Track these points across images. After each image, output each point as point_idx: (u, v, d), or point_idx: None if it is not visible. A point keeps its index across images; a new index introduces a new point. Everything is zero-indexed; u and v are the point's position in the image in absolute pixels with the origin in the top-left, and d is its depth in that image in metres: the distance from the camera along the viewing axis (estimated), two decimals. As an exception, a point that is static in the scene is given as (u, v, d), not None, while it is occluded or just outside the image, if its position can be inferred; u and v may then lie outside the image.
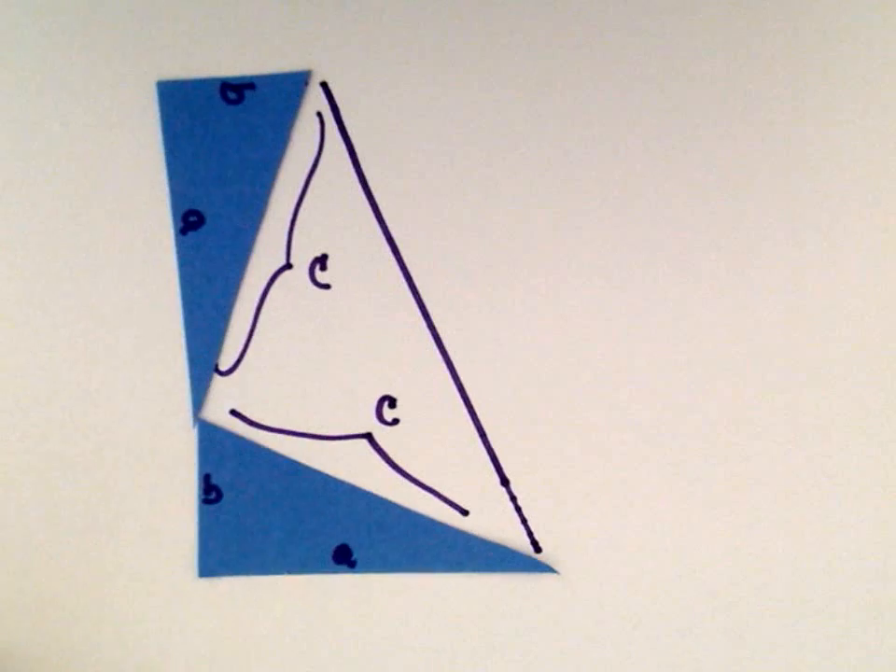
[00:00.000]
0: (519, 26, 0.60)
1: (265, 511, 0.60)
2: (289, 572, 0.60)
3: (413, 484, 0.60)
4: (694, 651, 0.59)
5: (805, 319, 0.59)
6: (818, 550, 0.58)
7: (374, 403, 0.61)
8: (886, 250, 0.59)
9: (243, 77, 0.61)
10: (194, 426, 0.61)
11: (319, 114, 0.61)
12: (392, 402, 0.60)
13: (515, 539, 0.60)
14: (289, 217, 0.61)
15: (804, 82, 0.59)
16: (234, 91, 0.61)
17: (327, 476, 0.61)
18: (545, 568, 0.59)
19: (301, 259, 0.61)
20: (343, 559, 0.60)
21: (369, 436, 0.60)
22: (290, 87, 0.60)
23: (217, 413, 0.61)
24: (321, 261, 0.61)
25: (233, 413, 0.61)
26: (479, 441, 0.60)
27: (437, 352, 0.60)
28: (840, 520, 0.58)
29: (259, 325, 0.61)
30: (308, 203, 0.61)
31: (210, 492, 0.60)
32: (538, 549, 0.60)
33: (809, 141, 0.59)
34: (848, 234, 0.59)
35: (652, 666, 0.59)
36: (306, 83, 0.60)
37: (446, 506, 0.60)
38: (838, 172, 0.59)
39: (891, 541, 0.58)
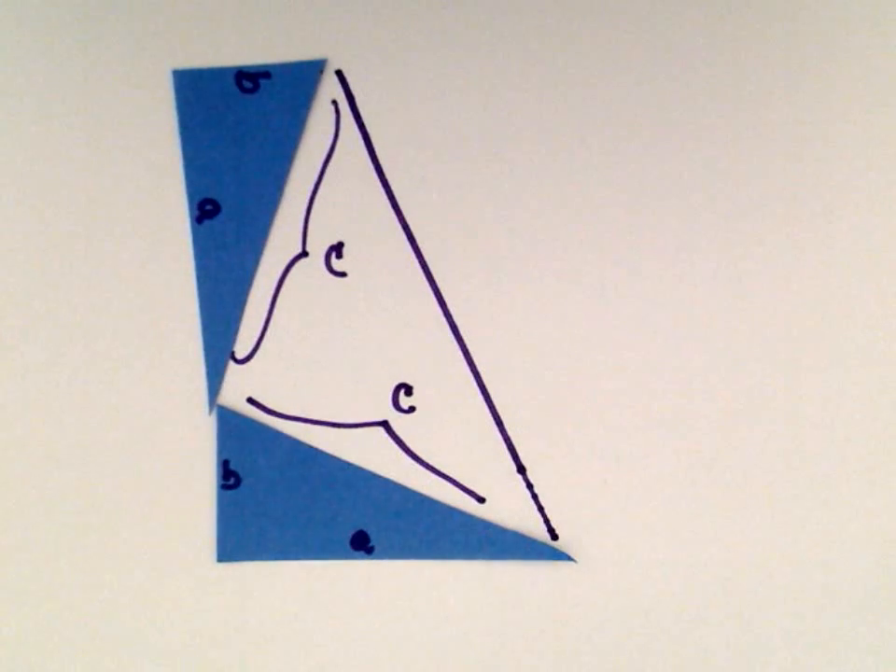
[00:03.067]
0: (538, 12, 0.59)
1: (284, 497, 0.61)
2: (308, 558, 0.61)
3: (429, 472, 0.60)
4: (710, 638, 0.59)
5: (819, 307, 0.59)
6: (839, 539, 0.58)
7: (390, 391, 0.61)
8: (887, 249, 0.58)
9: (258, 66, 0.61)
10: (211, 413, 0.61)
11: (335, 102, 0.61)
12: (408, 390, 0.61)
13: (532, 526, 0.60)
14: (305, 205, 0.61)
15: (805, 82, 0.58)
16: (250, 79, 0.61)
17: (345, 463, 0.61)
18: (562, 556, 0.59)
19: (317, 247, 0.61)
20: (361, 545, 0.61)
21: (385, 423, 0.61)
22: (305, 75, 0.60)
23: (234, 401, 0.61)
24: (337, 249, 0.61)
25: (250, 401, 0.61)
26: (495, 428, 0.60)
27: (453, 340, 0.60)
28: (859, 504, 0.58)
29: (275, 313, 0.61)
30: (323, 191, 0.61)
31: (229, 478, 0.61)
32: (554, 536, 0.60)
33: (811, 141, 0.58)
34: (850, 235, 0.58)
35: (668, 653, 0.59)
36: (321, 71, 0.60)
37: (463, 493, 0.60)
38: (840, 172, 0.58)
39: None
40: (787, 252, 0.58)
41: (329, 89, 0.61)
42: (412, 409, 0.60)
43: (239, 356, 0.61)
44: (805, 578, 0.58)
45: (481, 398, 0.60)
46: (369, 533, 0.61)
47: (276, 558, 0.61)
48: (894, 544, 0.58)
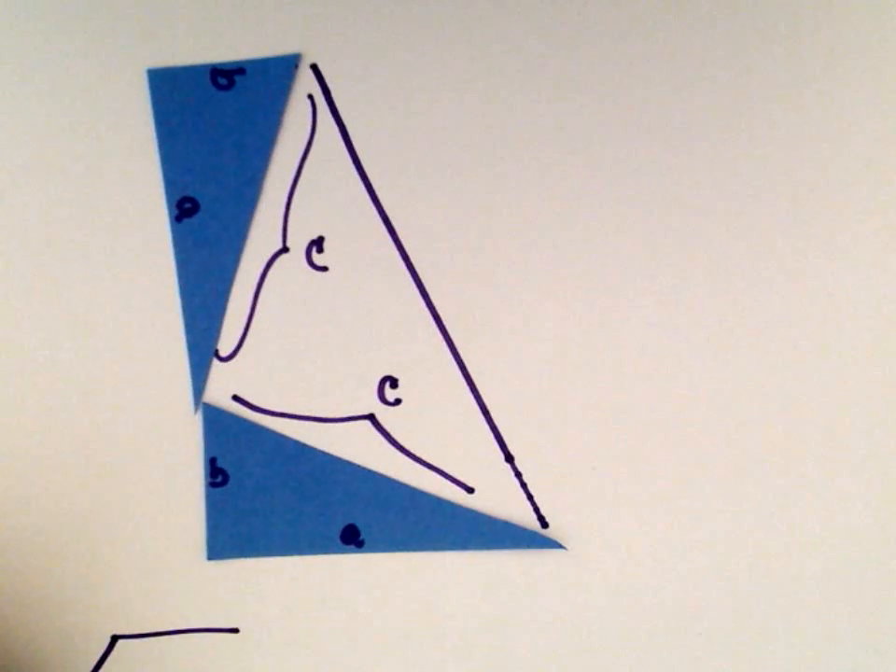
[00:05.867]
0: (519, 5, 0.59)
1: (272, 493, 0.61)
2: (298, 553, 0.61)
3: (417, 464, 0.60)
4: (701, 626, 0.59)
5: (814, 310, 0.58)
6: (833, 529, 0.58)
7: (376, 384, 0.61)
8: (888, 251, 0.58)
9: (233, 63, 0.60)
10: (196, 412, 0.61)
11: (310, 96, 0.61)
12: (394, 383, 0.61)
13: (522, 514, 0.60)
14: (284, 200, 0.61)
15: (806, 84, 0.58)
16: (225, 76, 0.60)
17: (333, 457, 0.61)
18: (552, 544, 0.59)
19: (298, 243, 0.61)
20: (351, 539, 0.61)
21: (371, 417, 0.61)
22: (280, 71, 0.60)
23: (219, 399, 0.61)
24: (317, 244, 0.61)
25: (236, 398, 0.61)
26: (482, 418, 0.60)
27: (437, 330, 0.60)
28: (852, 497, 0.58)
29: (257, 309, 0.61)
30: (302, 185, 0.61)
31: (216, 475, 0.61)
32: (544, 524, 0.60)
33: (812, 142, 0.58)
34: (850, 237, 0.58)
35: (659, 642, 0.59)
36: (296, 66, 0.60)
37: (451, 484, 0.60)
38: (841, 173, 0.58)
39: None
40: (785, 253, 0.58)
41: (304, 83, 0.61)
42: (398, 401, 0.61)
43: (223, 353, 0.61)
44: (802, 564, 0.58)
45: (466, 388, 0.60)
46: (358, 526, 0.61)
47: (266, 554, 0.61)
48: (893, 536, 0.58)
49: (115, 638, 0.62)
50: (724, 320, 0.59)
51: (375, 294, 0.60)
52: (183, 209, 0.61)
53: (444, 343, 0.60)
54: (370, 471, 0.60)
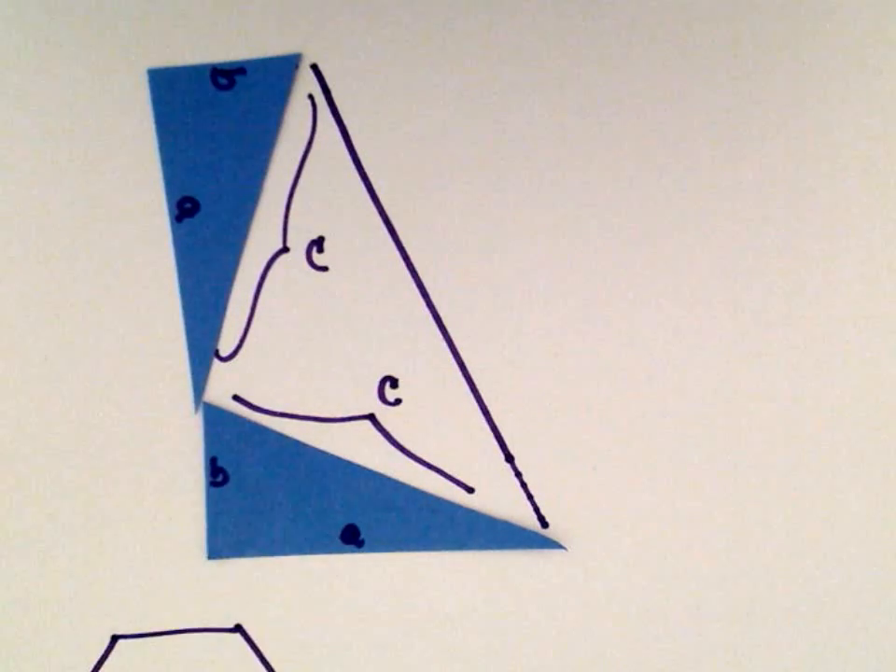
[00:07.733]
0: (520, 6, 0.59)
1: (272, 493, 0.61)
2: (298, 553, 0.61)
3: (417, 464, 0.60)
4: (702, 626, 0.59)
5: (815, 311, 0.59)
6: (834, 530, 0.58)
7: (376, 384, 0.61)
8: (887, 251, 0.58)
9: (233, 63, 0.60)
10: (196, 411, 0.61)
11: (311, 96, 0.61)
12: (394, 383, 0.61)
13: (522, 514, 0.60)
14: (284, 200, 0.61)
15: (806, 82, 0.58)
16: (225, 76, 0.60)
17: (333, 457, 0.61)
18: (552, 544, 0.59)
19: (298, 243, 0.61)
20: (351, 539, 0.61)
21: (371, 417, 0.61)
22: (281, 71, 0.60)
23: (219, 398, 0.61)
24: (318, 244, 0.61)
25: (236, 398, 0.61)
26: (482, 418, 0.60)
27: (437, 330, 0.60)
28: (853, 497, 0.58)
29: (257, 309, 0.61)
30: (303, 185, 0.61)
31: (217, 475, 0.61)
32: (544, 524, 0.60)
33: (811, 141, 0.58)
34: (850, 237, 0.58)
35: (659, 643, 0.59)
36: (296, 66, 0.60)
37: (451, 484, 0.60)
38: (840, 172, 0.58)
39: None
40: (786, 255, 0.58)
41: (304, 83, 0.61)
42: (398, 401, 0.60)
43: (223, 353, 0.61)
44: (803, 565, 0.58)
45: (467, 388, 0.60)
46: (359, 526, 0.61)
47: (266, 554, 0.61)
48: (892, 536, 0.58)
49: (115, 638, 0.62)
50: (726, 322, 0.59)
51: (375, 294, 0.60)
52: (183, 209, 0.61)
53: (444, 343, 0.60)
54: (370, 471, 0.60)
